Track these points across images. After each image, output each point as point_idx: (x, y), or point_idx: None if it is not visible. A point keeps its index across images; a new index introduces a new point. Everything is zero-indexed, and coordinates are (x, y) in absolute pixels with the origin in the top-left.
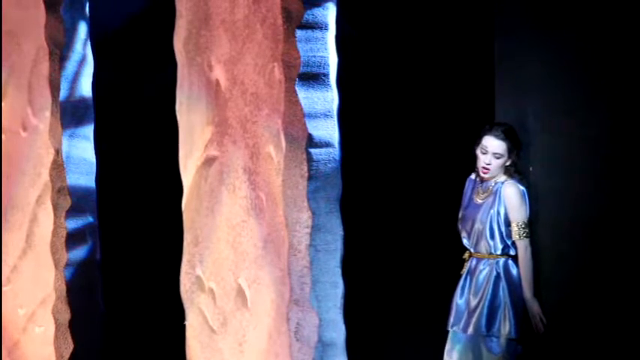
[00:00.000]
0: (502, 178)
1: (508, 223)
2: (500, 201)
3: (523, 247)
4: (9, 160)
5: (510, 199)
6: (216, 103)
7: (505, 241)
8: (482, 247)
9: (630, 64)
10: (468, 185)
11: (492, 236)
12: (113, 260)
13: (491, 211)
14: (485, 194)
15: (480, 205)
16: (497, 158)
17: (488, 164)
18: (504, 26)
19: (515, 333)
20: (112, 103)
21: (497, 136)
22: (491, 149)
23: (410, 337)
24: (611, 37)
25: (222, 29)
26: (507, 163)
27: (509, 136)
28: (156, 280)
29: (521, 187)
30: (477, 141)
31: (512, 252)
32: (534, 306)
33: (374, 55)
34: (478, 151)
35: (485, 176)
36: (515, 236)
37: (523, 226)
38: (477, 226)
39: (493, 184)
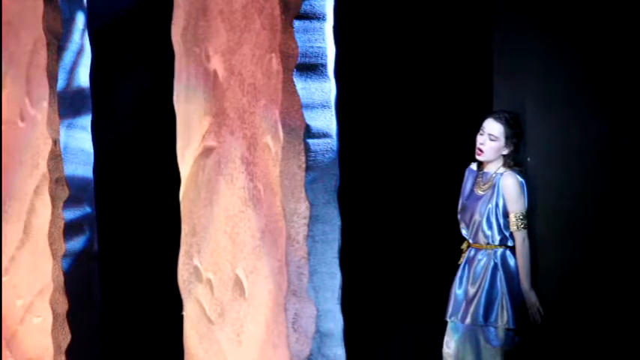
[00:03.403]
0: (501, 169)
1: (506, 214)
2: (498, 192)
3: (521, 239)
4: (7, 151)
5: (508, 190)
6: (213, 94)
7: (503, 233)
8: (481, 238)
9: (629, 55)
10: (468, 175)
11: (490, 227)
12: (111, 251)
13: (490, 202)
14: (486, 186)
15: (480, 197)
16: (492, 140)
17: (482, 144)
18: (502, 17)
19: (512, 323)
20: (109, 94)
21: (496, 119)
22: (488, 130)
23: (408, 327)
24: (610, 28)
25: (220, 19)
26: (504, 152)
27: (509, 122)
28: (153, 271)
29: (520, 179)
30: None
31: (510, 243)
32: (532, 297)
33: (372, 46)
34: (478, 134)
35: (479, 158)
36: (512, 227)
37: (521, 217)
38: (476, 217)
39: (493, 176)
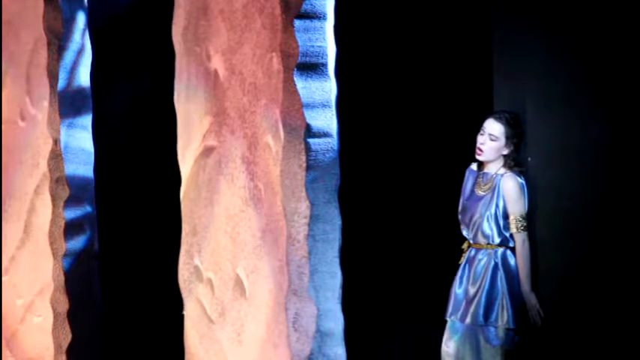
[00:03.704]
0: (502, 170)
1: (506, 216)
2: (499, 193)
3: (521, 241)
4: (7, 150)
5: (509, 192)
6: (214, 93)
7: (503, 234)
8: (481, 239)
9: (629, 55)
10: (469, 175)
11: (490, 228)
12: (111, 250)
13: (491, 203)
14: (487, 186)
15: (481, 198)
16: (492, 140)
17: (482, 144)
18: (502, 17)
19: (513, 323)
20: (110, 94)
21: (497, 119)
22: (488, 130)
23: (409, 327)
24: (610, 28)
25: (221, 19)
26: (505, 152)
27: (509, 122)
28: (154, 270)
29: (520, 180)
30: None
31: (511, 244)
32: (532, 299)
33: (372, 45)
34: (478, 134)
35: (479, 158)
36: (512, 229)
37: (521, 219)
38: (476, 218)
39: (494, 176)
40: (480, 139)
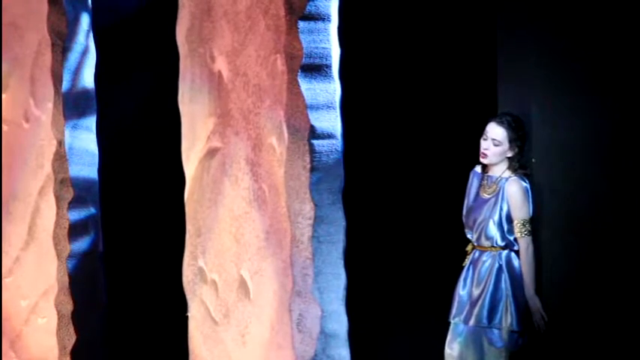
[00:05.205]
0: (507, 173)
1: (511, 220)
2: (503, 197)
3: (525, 245)
4: (11, 152)
5: (513, 197)
6: (218, 95)
7: (507, 237)
8: (485, 241)
9: (632, 57)
10: (473, 178)
11: (495, 231)
12: (116, 251)
13: (495, 206)
14: (491, 189)
15: (485, 201)
16: (496, 145)
17: (486, 149)
18: (507, 20)
19: (517, 325)
20: (114, 95)
21: (499, 123)
22: (491, 135)
23: (412, 328)
24: (613, 31)
25: (225, 20)
26: (509, 155)
27: (512, 125)
28: (158, 272)
29: (525, 184)
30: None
31: (515, 247)
32: (535, 303)
33: (376, 47)
34: (481, 139)
35: (484, 161)
36: (517, 234)
37: (525, 224)
38: (481, 220)
39: (499, 180)
40: (483, 144)
